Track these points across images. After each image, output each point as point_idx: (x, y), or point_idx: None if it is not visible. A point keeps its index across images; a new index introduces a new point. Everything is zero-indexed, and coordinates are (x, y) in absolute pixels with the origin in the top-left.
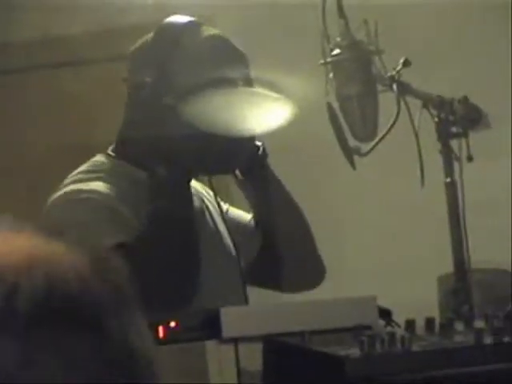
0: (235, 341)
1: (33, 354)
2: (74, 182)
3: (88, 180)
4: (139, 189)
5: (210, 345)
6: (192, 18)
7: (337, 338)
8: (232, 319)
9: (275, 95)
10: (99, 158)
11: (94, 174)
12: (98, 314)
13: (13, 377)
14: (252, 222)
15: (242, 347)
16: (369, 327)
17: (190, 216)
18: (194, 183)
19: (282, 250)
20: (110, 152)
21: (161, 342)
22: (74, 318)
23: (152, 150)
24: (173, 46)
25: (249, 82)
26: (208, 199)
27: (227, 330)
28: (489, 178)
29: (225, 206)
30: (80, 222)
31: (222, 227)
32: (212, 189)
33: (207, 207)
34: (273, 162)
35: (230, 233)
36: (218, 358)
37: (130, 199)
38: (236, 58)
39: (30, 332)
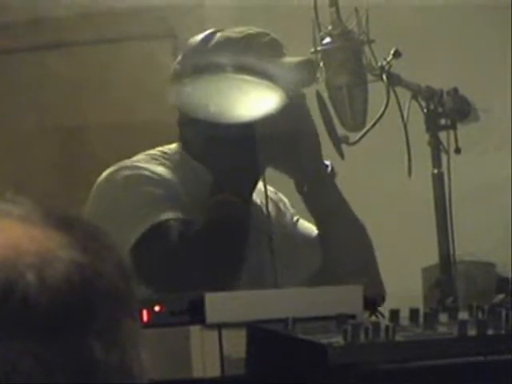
0: (219, 327)
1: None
2: (133, 161)
3: (148, 162)
4: (200, 183)
5: (194, 330)
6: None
7: (321, 326)
8: (216, 305)
9: (265, 82)
10: (173, 145)
11: (158, 160)
12: (81, 329)
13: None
14: (317, 236)
15: (225, 333)
16: (353, 316)
17: (246, 222)
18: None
19: (343, 266)
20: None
21: (144, 326)
22: (55, 327)
23: (210, 148)
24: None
25: (238, 68)
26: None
27: (211, 316)
28: (476, 170)
29: (295, 218)
30: (132, 196)
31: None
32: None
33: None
34: None
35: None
36: (201, 343)
37: (188, 186)
38: (233, 44)
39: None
